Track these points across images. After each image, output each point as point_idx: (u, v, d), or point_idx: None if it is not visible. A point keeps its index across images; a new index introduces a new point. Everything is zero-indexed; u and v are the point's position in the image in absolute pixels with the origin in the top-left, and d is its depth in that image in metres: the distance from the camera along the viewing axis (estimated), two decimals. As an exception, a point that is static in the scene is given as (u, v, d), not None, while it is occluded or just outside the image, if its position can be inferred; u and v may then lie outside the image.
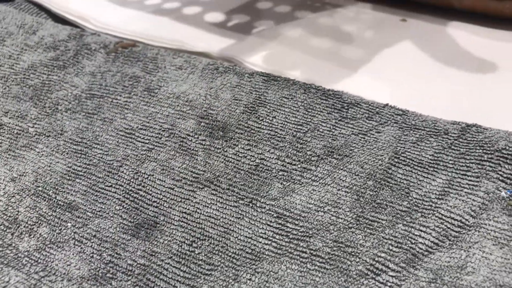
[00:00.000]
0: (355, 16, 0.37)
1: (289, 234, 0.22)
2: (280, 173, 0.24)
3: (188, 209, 0.23)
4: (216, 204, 0.23)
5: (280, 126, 0.26)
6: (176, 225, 0.22)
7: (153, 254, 0.22)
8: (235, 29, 0.34)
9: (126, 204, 0.23)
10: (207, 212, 0.23)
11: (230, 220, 0.22)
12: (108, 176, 0.25)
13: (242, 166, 0.25)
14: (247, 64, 0.32)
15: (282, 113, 0.27)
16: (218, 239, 0.22)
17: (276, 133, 0.26)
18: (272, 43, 0.34)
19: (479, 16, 0.35)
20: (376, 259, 0.20)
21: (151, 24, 0.37)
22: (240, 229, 0.22)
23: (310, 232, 0.21)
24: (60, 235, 0.22)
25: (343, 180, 0.23)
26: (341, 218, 0.22)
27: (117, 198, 0.24)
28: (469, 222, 0.21)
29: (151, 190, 0.24)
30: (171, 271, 0.21)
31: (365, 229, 0.21)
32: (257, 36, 0.34)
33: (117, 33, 0.36)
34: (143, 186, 0.24)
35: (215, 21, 0.36)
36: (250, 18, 0.36)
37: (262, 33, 0.35)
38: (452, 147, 0.24)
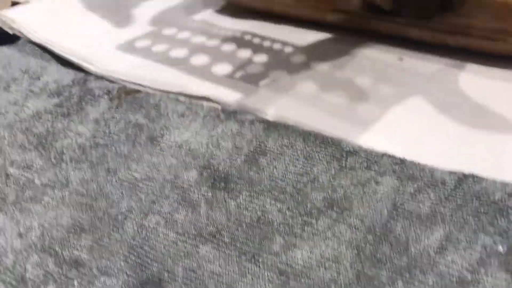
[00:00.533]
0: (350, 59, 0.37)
1: (291, 290, 0.22)
2: (282, 226, 0.25)
3: (192, 266, 0.23)
4: (219, 260, 0.24)
5: (281, 177, 0.27)
6: (180, 282, 0.23)
7: (158, 312, 0.22)
8: (243, 80, 0.35)
9: (131, 259, 0.24)
10: (210, 268, 0.23)
11: (234, 277, 0.23)
12: (113, 230, 0.25)
13: (244, 219, 0.25)
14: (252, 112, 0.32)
15: (282, 163, 0.28)
16: (221, 296, 0.22)
17: (277, 184, 0.27)
18: (280, 95, 0.34)
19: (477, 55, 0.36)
20: (377, 317, 0.21)
21: (157, 73, 0.37)
22: (244, 286, 0.22)
23: (312, 289, 0.22)
24: (66, 292, 0.23)
25: (343, 235, 0.24)
26: (342, 275, 0.22)
27: (122, 254, 0.24)
28: (467, 278, 0.21)
29: (155, 245, 0.24)
30: (176, 330, 0.21)
31: (366, 286, 0.22)
32: (266, 89, 0.34)
33: (121, 78, 0.37)
34: (147, 241, 0.25)
35: (223, 73, 0.36)
36: (258, 70, 0.36)
37: (270, 85, 0.35)
38: (449, 198, 0.25)
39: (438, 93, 0.33)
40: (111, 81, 0.35)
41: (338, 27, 0.40)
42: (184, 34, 0.41)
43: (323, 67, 0.36)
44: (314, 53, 0.38)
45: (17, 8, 0.44)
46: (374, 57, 0.37)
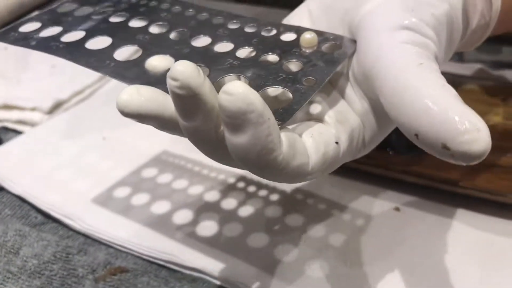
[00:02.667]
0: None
1: None
2: None
3: None
4: None
5: None
6: None
7: None
8: (228, 245, 0.33)
9: None
10: None
11: None
12: None
13: None
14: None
15: None
16: None
17: None
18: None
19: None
20: None
21: (139, 232, 0.35)
22: None
23: None
24: None
25: None
26: None
27: None
28: None
29: None
30: None
31: None
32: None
33: (102, 236, 0.35)
34: None
35: (208, 235, 0.34)
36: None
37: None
38: None
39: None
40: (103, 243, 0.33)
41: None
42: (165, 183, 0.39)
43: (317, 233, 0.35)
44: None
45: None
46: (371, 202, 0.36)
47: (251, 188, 0.38)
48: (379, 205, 0.36)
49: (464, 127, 0.18)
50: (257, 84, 0.22)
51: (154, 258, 0.33)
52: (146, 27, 0.26)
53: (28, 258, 0.33)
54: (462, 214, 0.35)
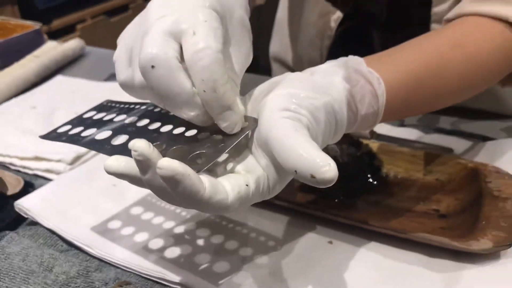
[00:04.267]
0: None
1: None
2: None
3: None
4: None
5: None
6: None
7: None
8: (189, 263, 0.46)
9: None
10: None
11: None
12: None
13: None
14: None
15: None
16: None
17: None
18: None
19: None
20: None
21: (138, 256, 0.47)
22: None
23: None
24: None
25: None
26: None
27: None
28: None
29: None
30: None
31: None
32: None
33: (111, 259, 0.47)
34: None
35: (182, 260, 0.47)
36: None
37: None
38: None
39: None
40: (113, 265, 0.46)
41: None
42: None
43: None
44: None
45: (30, 197, 0.55)
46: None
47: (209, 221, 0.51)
48: (314, 238, 0.48)
49: (322, 164, 0.31)
50: (190, 150, 0.34)
51: (149, 276, 0.45)
52: (135, 122, 0.40)
53: (59, 274, 0.45)
54: (376, 246, 0.47)
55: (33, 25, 1.01)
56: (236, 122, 0.35)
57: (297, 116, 0.35)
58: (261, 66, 0.96)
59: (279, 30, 0.85)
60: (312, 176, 0.31)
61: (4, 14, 1.86)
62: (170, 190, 0.31)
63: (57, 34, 2.06)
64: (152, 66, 0.33)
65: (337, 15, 0.70)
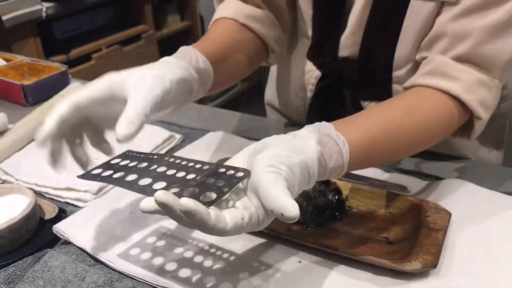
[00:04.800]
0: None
1: None
2: None
3: None
4: None
5: None
6: None
7: None
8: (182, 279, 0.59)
9: None
10: None
11: None
12: None
13: None
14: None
15: None
16: None
17: None
18: None
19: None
20: None
21: (150, 270, 0.61)
22: None
23: None
24: None
25: None
26: None
27: None
28: None
29: None
30: None
31: None
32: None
33: (130, 273, 0.61)
34: None
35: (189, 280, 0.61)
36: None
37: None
38: None
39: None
40: (134, 279, 0.59)
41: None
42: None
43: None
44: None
45: (65, 222, 0.69)
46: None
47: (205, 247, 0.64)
48: (289, 258, 0.62)
49: (288, 206, 0.44)
50: (201, 191, 0.48)
51: (156, 285, 0.59)
52: (156, 169, 0.54)
53: (90, 283, 0.59)
54: (334, 265, 0.60)
55: (60, 67, 1.16)
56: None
57: (278, 171, 0.48)
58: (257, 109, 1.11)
59: (271, 81, 1.01)
60: (282, 214, 0.45)
61: (27, 45, 2.03)
62: (186, 219, 0.45)
63: (75, 62, 2.23)
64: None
65: (317, 73, 0.85)
